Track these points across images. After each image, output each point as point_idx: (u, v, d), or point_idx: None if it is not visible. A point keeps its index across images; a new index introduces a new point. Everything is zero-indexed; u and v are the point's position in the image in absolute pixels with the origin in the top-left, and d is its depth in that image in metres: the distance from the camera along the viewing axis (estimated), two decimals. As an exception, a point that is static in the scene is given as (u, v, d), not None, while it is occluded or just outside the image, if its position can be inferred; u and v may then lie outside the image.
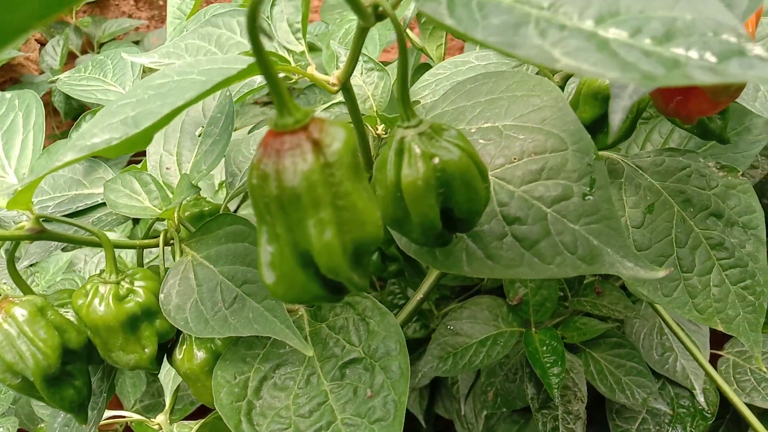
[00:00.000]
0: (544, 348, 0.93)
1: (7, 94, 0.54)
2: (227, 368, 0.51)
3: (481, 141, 0.47)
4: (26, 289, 0.52)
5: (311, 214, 0.27)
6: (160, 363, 0.53)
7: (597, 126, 0.65)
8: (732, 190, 0.71)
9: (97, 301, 0.49)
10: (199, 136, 0.56)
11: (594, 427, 0.98)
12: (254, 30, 0.25)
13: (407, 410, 1.38)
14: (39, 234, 0.48)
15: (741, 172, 0.71)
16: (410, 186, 0.36)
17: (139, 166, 0.57)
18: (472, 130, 0.48)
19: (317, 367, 0.51)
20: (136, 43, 2.13)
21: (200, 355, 0.53)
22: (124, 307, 0.49)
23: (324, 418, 0.47)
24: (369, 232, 0.28)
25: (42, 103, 0.51)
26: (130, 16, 2.19)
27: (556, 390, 0.87)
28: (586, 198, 0.44)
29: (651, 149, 0.78)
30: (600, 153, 0.73)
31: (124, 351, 0.50)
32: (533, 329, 1.00)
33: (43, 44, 2.08)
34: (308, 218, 0.27)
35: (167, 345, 0.55)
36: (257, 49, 0.26)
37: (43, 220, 0.50)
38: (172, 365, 0.54)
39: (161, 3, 2.64)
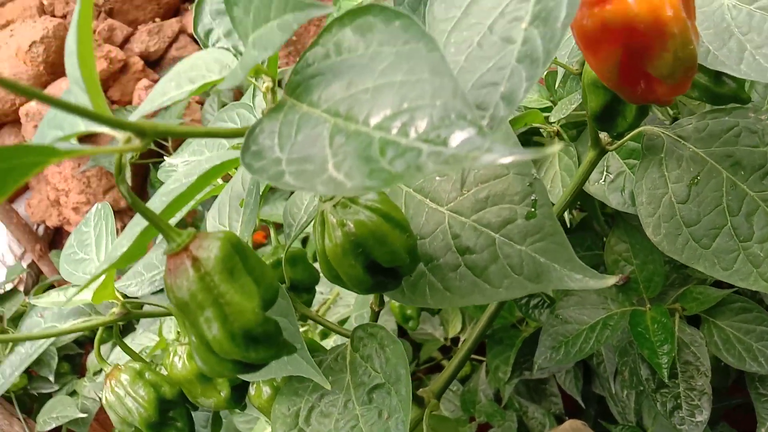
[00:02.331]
0: (656, 326, 0.90)
1: (99, 205, 0.70)
2: (283, 402, 0.61)
3: (437, 178, 0.51)
4: (134, 356, 0.66)
5: (199, 314, 0.35)
6: (239, 401, 0.65)
7: (610, 112, 0.64)
8: (794, 140, 0.65)
9: (176, 359, 0.62)
10: (241, 206, 0.67)
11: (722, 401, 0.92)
12: (123, 184, 0.34)
13: (565, 391, 1.40)
14: (125, 316, 0.62)
15: (801, 119, 0.65)
16: (331, 252, 0.42)
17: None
18: (432, 168, 0.52)
19: (352, 393, 0.58)
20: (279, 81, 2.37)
21: (266, 391, 0.64)
22: (196, 363, 0.61)
23: (355, 439, 0.55)
24: (248, 318, 0.35)
25: (112, 211, 0.65)
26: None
27: (665, 370, 0.84)
28: (530, 218, 0.46)
29: (697, 114, 0.73)
30: (640, 129, 0.70)
31: (204, 396, 0.62)
32: (647, 306, 0.97)
33: (201, 104, 2.39)
34: (199, 317, 0.35)
35: (245, 385, 0.66)
36: (133, 202, 0.34)
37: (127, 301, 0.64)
38: (250, 402, 0.66)
39: (294, 38, 2.89)
